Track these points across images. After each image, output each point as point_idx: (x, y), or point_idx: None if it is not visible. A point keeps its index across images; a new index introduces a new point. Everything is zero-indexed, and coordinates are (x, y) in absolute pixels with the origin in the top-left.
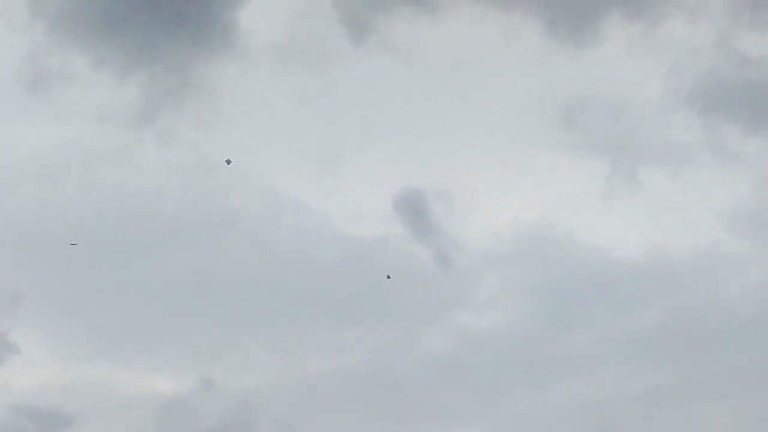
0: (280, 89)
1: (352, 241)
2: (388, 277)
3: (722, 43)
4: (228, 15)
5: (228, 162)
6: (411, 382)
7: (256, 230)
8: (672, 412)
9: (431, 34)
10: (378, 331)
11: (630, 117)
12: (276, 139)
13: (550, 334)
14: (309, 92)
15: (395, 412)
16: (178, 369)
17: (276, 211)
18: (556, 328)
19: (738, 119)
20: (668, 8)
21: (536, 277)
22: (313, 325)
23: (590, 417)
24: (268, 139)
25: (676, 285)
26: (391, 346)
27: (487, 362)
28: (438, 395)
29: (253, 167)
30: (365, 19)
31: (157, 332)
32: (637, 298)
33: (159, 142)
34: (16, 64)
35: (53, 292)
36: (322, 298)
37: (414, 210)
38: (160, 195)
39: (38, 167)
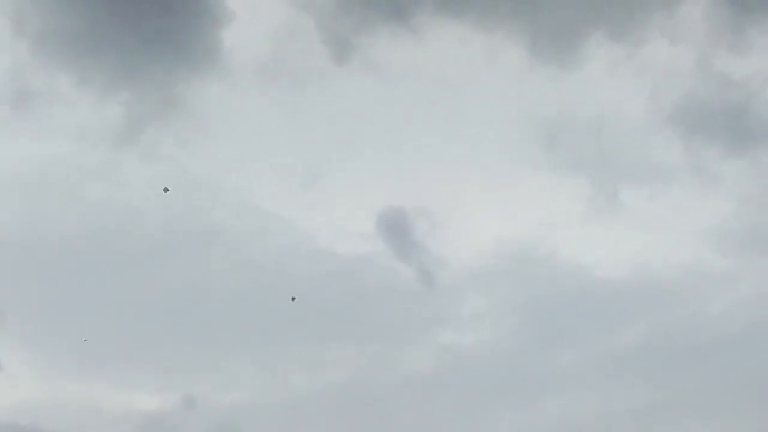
0: (263, 107)
1: (336, 258)
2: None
3: (703, 65)
4: (211, 33)
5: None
6: (394, 399)
7: (239, 247)
8: (656, 429)
9: (413, 53)
10: (361, 348)
11: (612, 137)
12: (259, 157)
13: (534, 352)
14: (292, 110)
15: (379, 429)
16: (161, 386)
17: (259, 228)
18: (539, 346)
19: (718, 141)
20: (650, 30)
21: (519, 295)
22: (297, 343)
23: None
24: (251, 157)
25: (660, 303)
26: (374, 363)
27: (471, 380)
28: (422, 413)
29: (236, 184)
30: (348, 39)
31: (139, 349)
32: (620, 316)
33: (142, 160)
34: None
35: (36, 308)
36: (306, 315)
37: (397, 228)
38: (143, 212)
39: (22, 184)
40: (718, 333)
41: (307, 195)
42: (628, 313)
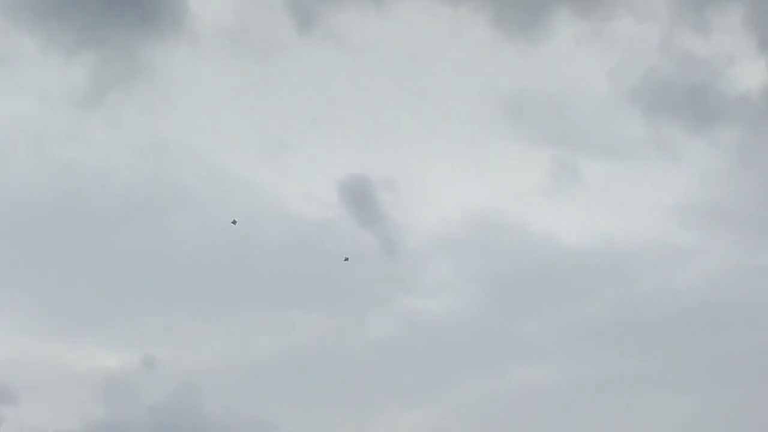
0: (229, 73)
1: (300, 224)
2: (346, 259)
3: (667, 43)
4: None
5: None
6: (358, 365)
7: (204, 210)
8: (618, 400)
9: (378, 25)
10: (325, 313)
11: (575, 111)
12: (224, 122)
13: (498, 320)
14: (257, 77)
15: (342, 394)
16: (123, 346)
17: (224, 192)
18: (503, 315)
19: (680, 117)
20: (616, 7)
21: (484, 264)
22: (260, 306)
23: (537, 403)
24: (216, 122)
25: (624, 275)
26: (338, 328)
27: (435, 347)
28: (385, 379)
29: (200, 148)
30: (313, 10)
31: (103, 310)
32: (584, 287)
33: (107, 123)
34: None
35: None
36: (270, 279)
37: (360, 196)
38: (108, 174)
39: None
40: (681, 306)
41: (271, 161)
42: (592, 284)
